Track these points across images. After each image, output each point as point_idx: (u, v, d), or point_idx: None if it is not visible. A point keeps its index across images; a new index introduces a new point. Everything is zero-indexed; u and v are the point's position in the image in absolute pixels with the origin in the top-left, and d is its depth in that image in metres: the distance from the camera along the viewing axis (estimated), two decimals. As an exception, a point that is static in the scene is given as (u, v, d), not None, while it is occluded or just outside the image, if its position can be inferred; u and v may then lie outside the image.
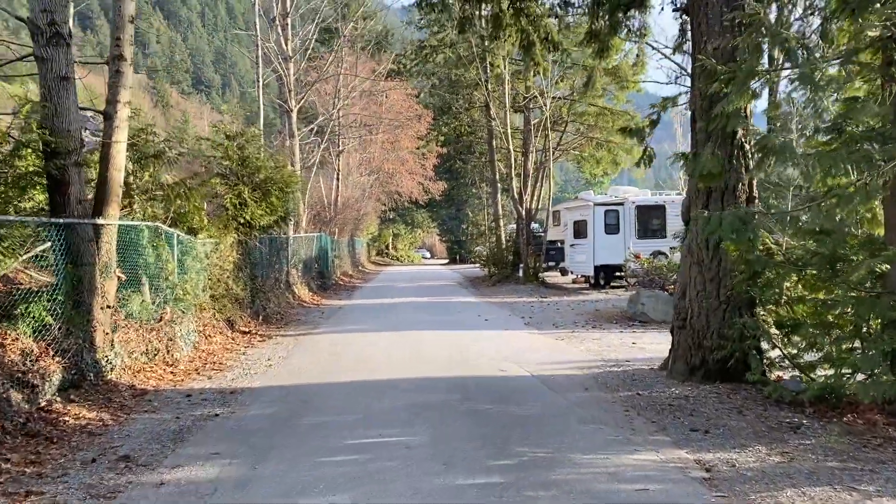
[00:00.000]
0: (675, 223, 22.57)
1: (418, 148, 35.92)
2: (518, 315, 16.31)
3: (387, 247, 75.47)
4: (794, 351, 7.73)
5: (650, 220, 22.85)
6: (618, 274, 23.54)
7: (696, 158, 7.17)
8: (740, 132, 7.69)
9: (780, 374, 8.17)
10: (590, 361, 9.84)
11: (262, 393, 8.06)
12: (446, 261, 66.27)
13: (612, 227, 22.64)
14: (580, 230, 23.65)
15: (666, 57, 16.82)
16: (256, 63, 19.21)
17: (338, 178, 32.71)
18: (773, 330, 7.99)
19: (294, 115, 22.76)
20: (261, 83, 19.65)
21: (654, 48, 16.55)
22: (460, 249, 57.01)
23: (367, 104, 34.00)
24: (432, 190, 45.47)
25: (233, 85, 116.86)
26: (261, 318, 14.45)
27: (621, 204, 22.76)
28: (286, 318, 15.73)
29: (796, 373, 7.90)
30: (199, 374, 9.19)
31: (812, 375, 7.19)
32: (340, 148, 32.06)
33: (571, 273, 26.58)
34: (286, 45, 22.37)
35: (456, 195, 56.54)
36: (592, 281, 23.92)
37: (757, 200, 8.15)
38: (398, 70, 29.92)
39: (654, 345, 11.36)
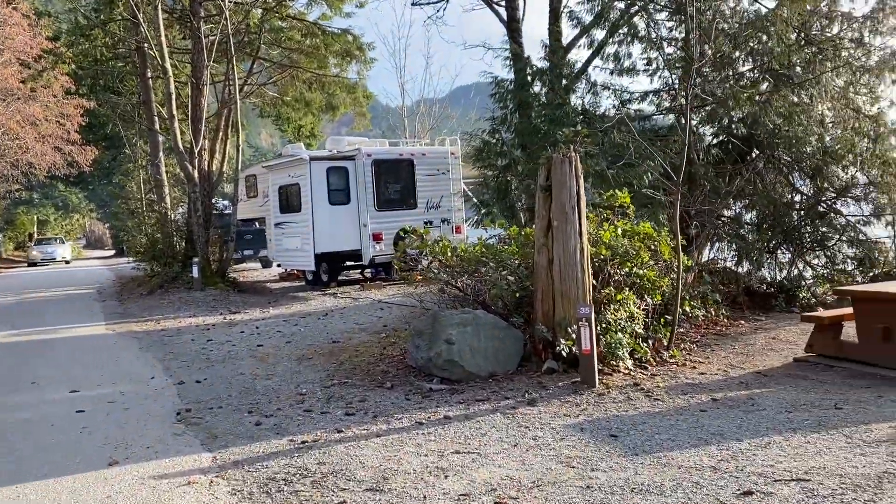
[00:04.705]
0: (429, 187, 15.55)
1: (23, 82, 23.54)
2: (169, 375, 7.48)
3: (30, 237, 57.48)
4: None
5: (393, 184, 15.39)
6: (349, 264, 15.76)
7: None
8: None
9: None
10: None
11: None
12: (112, 253, 52.00)
13: (338, 195, 14.63)
14: (290, 201, 15.22)
15: None
16: None
17: None
18: None
19: None
20: None
21: None
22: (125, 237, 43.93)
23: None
24: (80, 161, 32.77)
25: None
26: None
27: (351, 159, 14.85)
28: None
29: None
30: None
31: None
32: None
33: (278, 266, 18.08)
34: None
35: (118, 168, 43.28)
36: (311, 277, 15.78)
37: None
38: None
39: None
